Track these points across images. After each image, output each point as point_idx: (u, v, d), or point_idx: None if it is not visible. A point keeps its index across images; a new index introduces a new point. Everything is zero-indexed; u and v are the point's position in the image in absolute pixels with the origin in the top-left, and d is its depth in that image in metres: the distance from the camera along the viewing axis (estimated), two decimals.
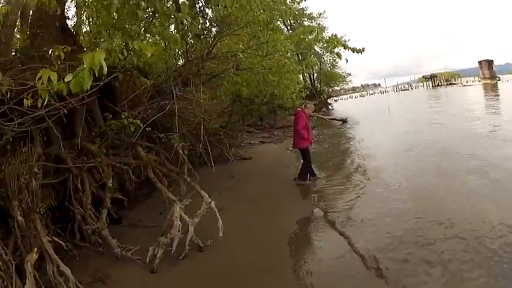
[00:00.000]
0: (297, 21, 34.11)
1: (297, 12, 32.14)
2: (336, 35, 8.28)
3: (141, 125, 6.23)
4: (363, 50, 7.95)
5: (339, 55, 8.24)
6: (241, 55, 8.12)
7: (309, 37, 9.18)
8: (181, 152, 7.28)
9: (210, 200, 6.08)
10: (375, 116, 27.15)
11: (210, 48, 8.29)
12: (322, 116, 26.56)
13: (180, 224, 5.60)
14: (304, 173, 9.27)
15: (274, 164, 12.23)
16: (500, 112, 19.60)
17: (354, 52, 7.95)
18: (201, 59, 7.96)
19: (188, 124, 8.81)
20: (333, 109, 40.15)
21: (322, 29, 37.31)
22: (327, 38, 8.48)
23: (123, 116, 6.36)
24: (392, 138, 15.27)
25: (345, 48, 8.05)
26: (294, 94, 12.33)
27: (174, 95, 6.51)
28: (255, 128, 21.69)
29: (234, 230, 6.20)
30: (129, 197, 7.66)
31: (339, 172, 10.21)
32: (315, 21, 37.56)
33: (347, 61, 8.35)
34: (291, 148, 14.32)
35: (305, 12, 36.14)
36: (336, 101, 42.77)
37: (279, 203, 7.95)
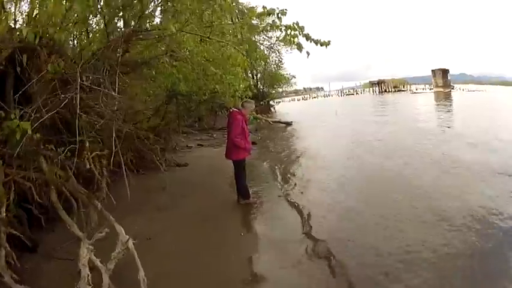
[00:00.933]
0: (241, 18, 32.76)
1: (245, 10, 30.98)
2: (297, 23, 6.69)
3: (30, 128, 4.29)
4: (329, 43, 6.50)
5: (299, 46, 6.58)
6: (178, 34, 6.35)
7: (264, 22, 8.05)
8: (90, 163, 5.54)
9: (127, 238, 4.39)
10: (320, 119, 26.51)
11: (137, 26, 6.41)
12: (265, 118, 25.46)
13: (89, 274, 3.93)
14: (243, 189, 7.72)
15: (214, 173, 10.56)
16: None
17: (317, 45, 6.44)
18: (127, 38, 6.17)
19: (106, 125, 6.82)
20: (275, 111, 38.94)
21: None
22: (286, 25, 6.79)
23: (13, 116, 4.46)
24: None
25: (307, 39, 6.50)
26: (238, 93, 10.47)
27: (78, 86, 4.66)
28: (192, 129, 20.10)
29: (163, 282, 4.56)
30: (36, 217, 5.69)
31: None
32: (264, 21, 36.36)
33: (308, 54, 6.69)
34: None
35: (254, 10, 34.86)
36: (278, 103, 41.98)
37: (223, 230, 6.40)
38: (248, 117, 8.58)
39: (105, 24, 6.73)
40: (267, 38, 36.89)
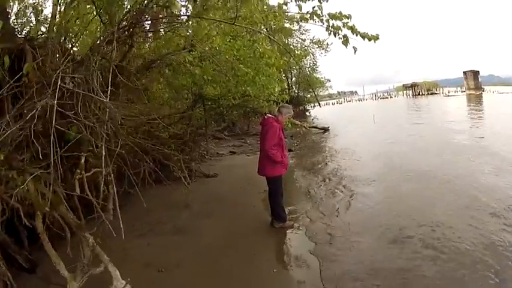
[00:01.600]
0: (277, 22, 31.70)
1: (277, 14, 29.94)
2: (341, 12, 5.38)
3: None
4: (377, 37, 5.24)
5: (346, 40, 5.30)
6: (198, 24, 5.19)
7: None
8: (84, 182, 4.45)
9: (124, 284, 3.31)
10: (358, 125, 24.89)
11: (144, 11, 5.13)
12: (300, 124, 23.93)
13: None
14: (279, 211, 6.41)
15: (246, 186, 9.28)
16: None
17: (364, 39, 5.21)
18: (131, 27, 5.02)
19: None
20: (310, 116, 37.49)
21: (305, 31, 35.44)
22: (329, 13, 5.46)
23: None
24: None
25: (352, 32, 5.21)
26: (274, 96, 9.33)
27: (56, 90, 3.60)
28: (225, 135, 19.08)
29: None
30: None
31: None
32: (297, 24, 35.24)
33: (356, 50, 5.39)
34: None
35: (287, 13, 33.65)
36: (313, 107, 40.57)
37: (251, 263, 5.13)
38: (285, 125, 7.37)
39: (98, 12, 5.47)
40: (300, 40, 35.92)
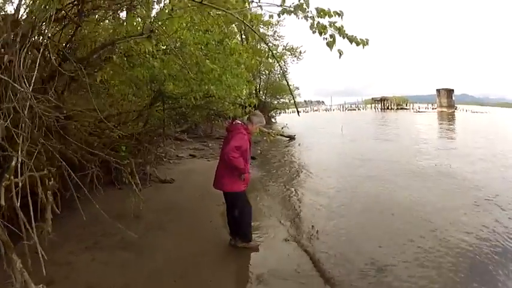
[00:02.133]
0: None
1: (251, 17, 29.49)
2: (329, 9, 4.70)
3: None
4: (367, 42, 4.61)
5: (333, 40, 4.65)
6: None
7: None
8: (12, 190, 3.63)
9: None
10: (324, 134, 24.94)
11: None
12: (268, 131, 23.20)
13: None
14: (247, 228, 5.65)
15: (204, 195, 8.32)
16: None
17: (351, 43, 4.55)
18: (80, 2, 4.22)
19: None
20: (276, 122, 37.02)
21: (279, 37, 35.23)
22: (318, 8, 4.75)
23: None
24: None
25: (340, 34, 4.56)
26: (241, 99, 8.58)
27: None
28: (188, 136, 18.22)
29: None
30: None
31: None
32: (271, 28, 34.84)
33: (340, 55, 4.75)
34: None
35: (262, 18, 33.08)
36: (279, 114, 40.11)
37: None
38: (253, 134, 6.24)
39: None
40: (274, 45, 35.56)
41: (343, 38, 4.45)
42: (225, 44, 6.69)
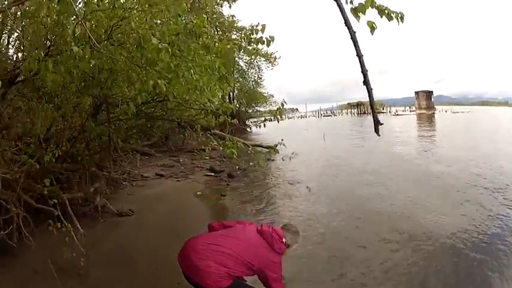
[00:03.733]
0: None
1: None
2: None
3: None
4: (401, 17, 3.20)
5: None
6: None
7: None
8: None
9: None
10: (304, 144, 23.36)
11: None
12: (244, 142, 21.27)
13: None
14: None
15: (170, 237, 6.18)
16: None
17: (382, 17, 3.24)
18: None
19: None
20: (251, 131, 35.13)
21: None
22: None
23: None
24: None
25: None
26: (212, 105, 6.67)
27: None
28: (157, 151, 16.10)
29: None
30: None
31: None
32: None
33: (373, 30, 3.40)
34: (199, 193, 9.95)
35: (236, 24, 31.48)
36: (254, 123, 38.35)
37: None
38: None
39: None
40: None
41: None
42: (185, 22, 4.82)
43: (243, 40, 5.09)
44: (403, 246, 5.96)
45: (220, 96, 8.71)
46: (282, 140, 6.27)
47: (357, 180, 11.16)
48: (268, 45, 4.74)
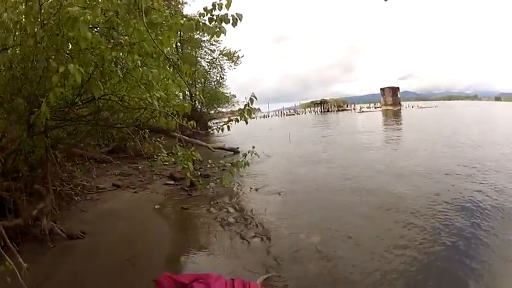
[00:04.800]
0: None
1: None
2: None
3: None
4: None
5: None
6: None
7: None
8: None
9: None
10: (271, 143, 23.19)
11: None
12: (205, 145, 20.78)
13: None
14: None
15: (127, 269, 5.40)
16: None
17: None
18: None
19: None
20: (213, 133, 34.18)
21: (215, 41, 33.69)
22: None
23: None
24: None
25: None
26: (169, 105, 5.83)
27: None
28: (115, 157, 15.23)
29: None
30: None
31: None
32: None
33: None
34: (158, 206, 9.05)
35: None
36: (217, 124, 37.70)
37: None
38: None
39: None
40: (209, 51, 33.82)
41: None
42: None
43: (201, 17, 4.43)
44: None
45: (176, 95, 8.10)
46: (254, 147, 5.70)
47: (330, 186, 10.82)
48: (234, 24, 4.23)
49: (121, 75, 4.61)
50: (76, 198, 8.93)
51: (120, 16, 3.94)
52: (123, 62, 4.73)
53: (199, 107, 33.28)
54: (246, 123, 5.26)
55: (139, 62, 4.44)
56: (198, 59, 33.68)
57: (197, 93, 32.83)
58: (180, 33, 31.66)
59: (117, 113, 6.81)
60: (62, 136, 7.47)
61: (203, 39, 33.18)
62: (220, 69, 34.94)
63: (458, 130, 24.82)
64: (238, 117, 5.38)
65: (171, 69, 5.42)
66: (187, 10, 30.21)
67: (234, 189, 11.09)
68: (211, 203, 9.36)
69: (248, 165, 5.96)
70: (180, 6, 29.25)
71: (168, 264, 5.58)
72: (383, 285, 4.77)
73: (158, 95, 5.19)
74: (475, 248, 5.82)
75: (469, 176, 10.63)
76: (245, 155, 6.05)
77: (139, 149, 17.22)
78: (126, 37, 4.17)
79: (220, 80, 35.59)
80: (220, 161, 12.61)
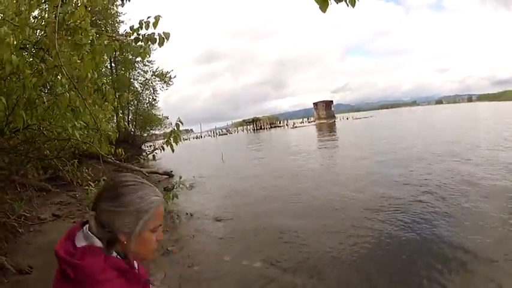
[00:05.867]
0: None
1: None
2: None
3: None
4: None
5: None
6: None
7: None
8: None
9: None
10: (204, 167, 23.20)
11: None
12: (139, 169, 20.61)
13: None
14: None
15: None
16: None
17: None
18: None
19: None
20: (148, 157, 33.57)
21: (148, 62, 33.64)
22: None
23: None
24: None
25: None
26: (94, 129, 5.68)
27: None
28: (54, 185, 14.70)
29: None
30: None
31: None
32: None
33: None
34: None
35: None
36: (150, 147, 37.40)
37: None
38: None
39: None
40: (142, 72, 33.76)
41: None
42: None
43: (127, 37, 4.33)
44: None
45: (109, 118, 7.50)
46: (181, 178, 5.69)
47: (265, 207, 11.39)
48: (161, 44, 4.14)
49: (46, 103, 4.59)
50: (20, 230, 8.98)
51: (48, 35, 3.83)
52: (51, 86, 4.80)
53: (132, 130, 33.11)
54: (173, 151, 5.01)
55: (66, 86, 4.38)
56: (131, 80, 33.47)
57: (130, 116, 32.71)
58: (114, 54, 31.50)
59: (51, 141, 6.77)
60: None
61: (137, 59, 33.09)
62: (152, 91, 34.88)
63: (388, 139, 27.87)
64: (164, 145, 5.25)
65: (97, 94, 5.16)
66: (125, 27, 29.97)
67: (170, 215, 11.34)
68: None
69: (177, 197, 6.20)
70: (116, 25, 28.96)
71: None
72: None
73: (84, 122, 5.18)
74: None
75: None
76: (173, 187, 5.95)
77: (77, 175, 17.04)
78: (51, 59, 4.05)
79: (153, 102, 35.46)
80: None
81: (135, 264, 1.60)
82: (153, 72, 34.04)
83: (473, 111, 67.01)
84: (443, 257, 6.27)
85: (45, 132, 5.63)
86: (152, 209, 1.48)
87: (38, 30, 4.23)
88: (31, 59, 4.35)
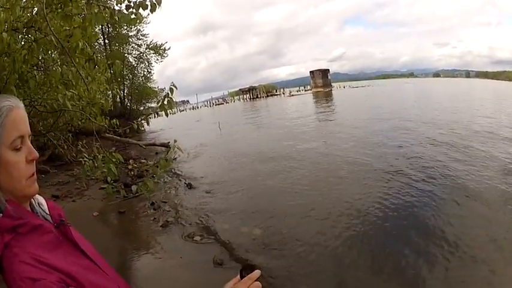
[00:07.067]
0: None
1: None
2: None
3: None
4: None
5: None
6: None
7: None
8: None
9: None
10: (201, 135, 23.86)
11: None
12: (136, 142, 20.86)
13: None
14: None
15: None
16: None
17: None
18: None
19: None
20: (145, 131, 34.08)
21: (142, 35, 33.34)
22: None
23: None
24: None
25: None
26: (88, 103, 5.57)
27: None
28: (52, 166, 14.87)
29: None
30: None
31: None
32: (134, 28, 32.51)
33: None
34: (96, 213, 9.04)
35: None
36: (145, 120, 37.09)
37: None
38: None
39: None
40: (136, 45, 33.54)
41: None
42: None
43: (118, 4, 4.25)
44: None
45: (104, 92, 7.39)
46: (176, 141, 5.89)
47: (259, 172, 11.90)
48: (153, 10, 4.04)
49: (37, 78, 4.57)
50: None
51: (38, 10, 3.83)
52: (43, 62, 4.76)
53: (128, 104, 33.36)
54: (167, 115, 4.76)
55: (58, 61, 4.44)
56: (126, 54, 33.25)
57: (126, 91, 32.61)
58: (108, 30, 31.25)
59: (46, 119, 6.57)
60: None
61: (130, 34, 32.85)
62: (147, 64, 34.60)
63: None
64: (158, 111, 5.01)
65: (88, 65, 4.91)
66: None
67: (168, 186, 11.69)
68: (147, 204, 9.73)
69: (172, 162, 6.12)
70: None
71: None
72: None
73: (77, 93, 5.08)
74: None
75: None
76: (167, 152, 5.77)
77: (73, 154, 17.19)
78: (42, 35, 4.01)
79: (148, 75, 35.13)
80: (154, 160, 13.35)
81: (41, 206, 1.28)
82: (147, 45, 33.79)
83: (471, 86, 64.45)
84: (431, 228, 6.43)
85: (37, 107, 5.58)
86: (1, 117, 1.08)
87: (29, 9, 4.19)
88: (23, 40, 4.36)
